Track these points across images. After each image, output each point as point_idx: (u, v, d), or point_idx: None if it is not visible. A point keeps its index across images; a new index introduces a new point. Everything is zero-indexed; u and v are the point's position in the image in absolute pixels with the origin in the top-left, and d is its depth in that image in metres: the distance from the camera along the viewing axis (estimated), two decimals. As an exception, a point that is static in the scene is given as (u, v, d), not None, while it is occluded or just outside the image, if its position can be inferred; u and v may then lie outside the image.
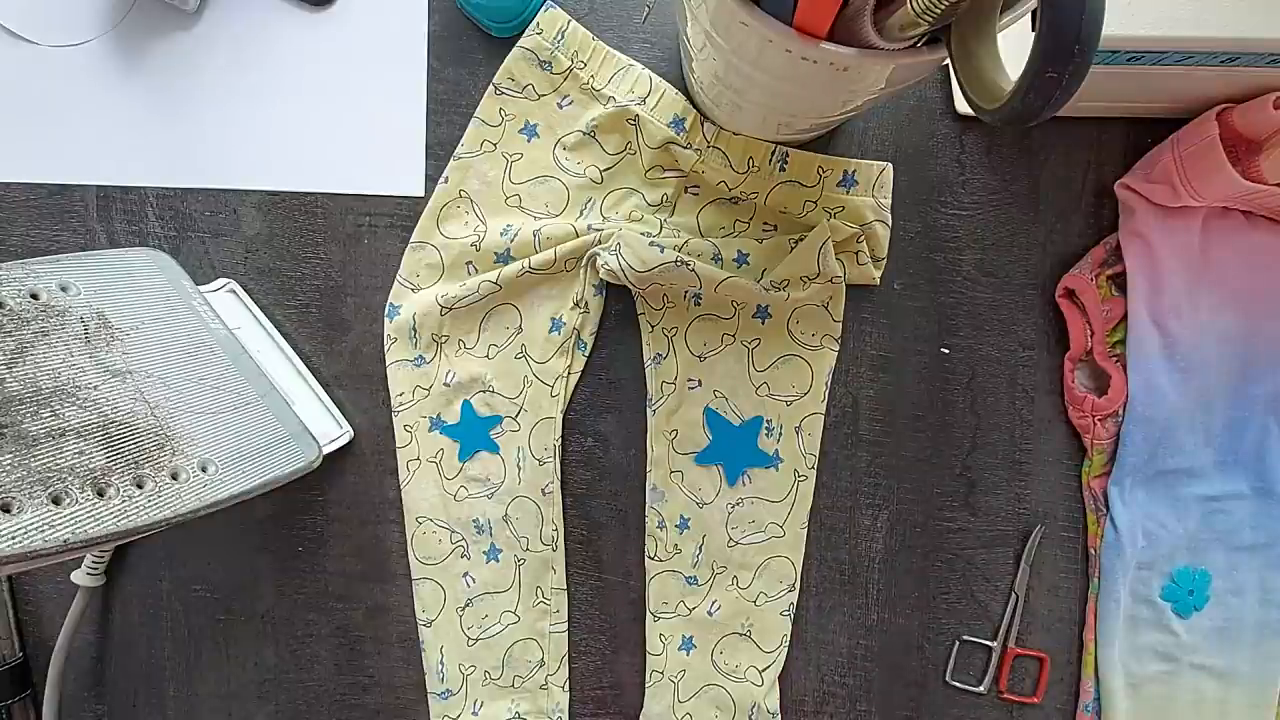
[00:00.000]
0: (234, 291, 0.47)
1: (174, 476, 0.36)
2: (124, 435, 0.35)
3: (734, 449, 0.47)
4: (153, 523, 0.34)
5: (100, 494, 0.32)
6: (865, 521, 0.49)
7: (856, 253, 0.47)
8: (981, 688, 0.48)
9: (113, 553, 0.48)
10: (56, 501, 0.31)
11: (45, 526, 0.30)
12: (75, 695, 0.49)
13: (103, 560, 0.47)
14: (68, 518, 0.31)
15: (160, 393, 0.37)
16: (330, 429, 0.47)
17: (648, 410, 0.48)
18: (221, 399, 0.40)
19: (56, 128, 0.48)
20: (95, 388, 0.35)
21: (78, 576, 0.46)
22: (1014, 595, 0.48)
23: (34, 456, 0.31)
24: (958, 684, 0.49)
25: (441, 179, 0.47)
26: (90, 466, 0.33)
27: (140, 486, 0.34)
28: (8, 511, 0.29)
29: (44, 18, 0.47)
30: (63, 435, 0.33)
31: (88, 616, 0.48)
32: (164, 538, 0.49)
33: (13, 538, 0.29)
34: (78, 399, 0.34)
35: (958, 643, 0.49)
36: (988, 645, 0.49)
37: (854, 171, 0.46)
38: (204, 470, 0.37)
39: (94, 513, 0.32)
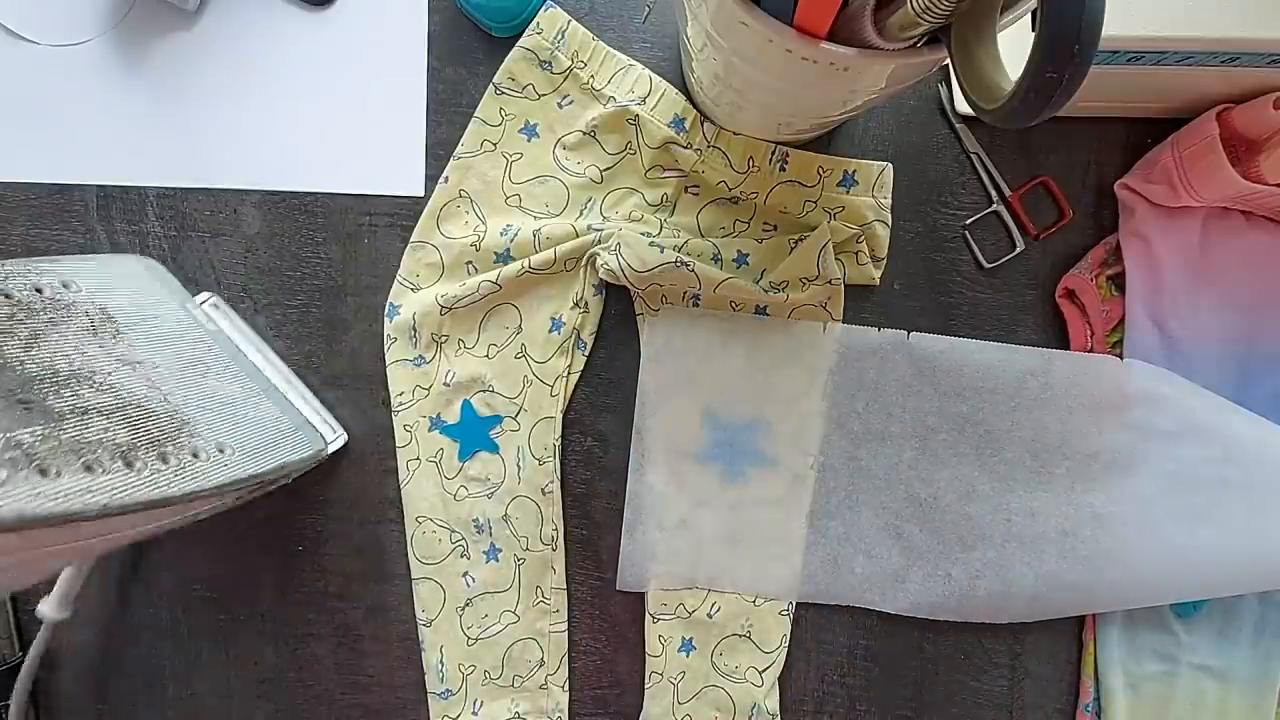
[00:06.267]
0: (217, 305, 0.47)
1: (195, 455, 0.35)
2: (142, 417, 0.34)
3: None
4: (184, 494, 0.33)
5: (129, 465, 0.32)
6: (865, 521, 0.49)
7: (856, 253, 0.47)
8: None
9: (85, 580, 0.45)
10: (89, 470, 0.31)
11: (84, 491, 0.30)
12: (75, 695, 0.49)
13: (73, 589, 0.45)
14: (105, 484, 0.31)
15: (170, 383, 0.37)
16: (324, 433, 0.47)
17: (648, 410, 0.48)
18: (228, 390, 0.40)
19: (56, 128, 0.48)
20: (109, 373, 0.35)
21: (44, 608, 0.44)
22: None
23: (62, 429, 0.31)
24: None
25: (441, 179, 0.47)
26: (116, 441, 0.32)
27: (165, 462, 0.34)
28: (45, 475, 0.29)
29: (44, 17, 0.47)
30: (85, 413, 0.32)
31: (87, 617, 0.48)
32: (164, 538, 0.48)
33: (53, 499, 0.28)
34: (94, 383, 0.33)
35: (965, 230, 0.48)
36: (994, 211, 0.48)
37: (854, 171, 0.46)
38: (221, 452, 0.37)
39: (127, 481, 0.32)
